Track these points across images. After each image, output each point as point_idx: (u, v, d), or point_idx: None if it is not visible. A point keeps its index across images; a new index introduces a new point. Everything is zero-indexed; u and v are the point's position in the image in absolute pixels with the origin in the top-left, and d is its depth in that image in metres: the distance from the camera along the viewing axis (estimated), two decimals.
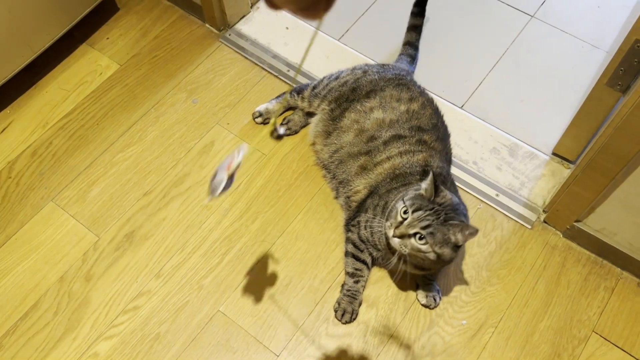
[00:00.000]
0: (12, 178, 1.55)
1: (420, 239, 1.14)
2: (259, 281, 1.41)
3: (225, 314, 1.36)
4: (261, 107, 1.64)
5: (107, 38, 1.79)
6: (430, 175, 1.16)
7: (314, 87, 1.56)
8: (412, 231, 1.14)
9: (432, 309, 1.38)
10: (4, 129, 1.63)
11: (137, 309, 1.37)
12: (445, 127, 1.46)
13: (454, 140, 1.58)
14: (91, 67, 1.74)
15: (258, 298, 1.38)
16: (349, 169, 1.41)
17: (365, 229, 1.33)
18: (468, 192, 1.53)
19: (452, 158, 1.54)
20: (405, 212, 1.16)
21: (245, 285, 1.40)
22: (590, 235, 1.41)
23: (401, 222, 1.16)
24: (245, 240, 1.46)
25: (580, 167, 1.30)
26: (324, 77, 1.57)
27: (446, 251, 1.15)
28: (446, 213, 1.15)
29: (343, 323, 1.35)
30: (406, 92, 1.43)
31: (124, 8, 1.86)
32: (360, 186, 1.38)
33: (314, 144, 1.53)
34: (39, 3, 1.55)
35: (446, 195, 1.18)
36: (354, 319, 1.36)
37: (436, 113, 1.44)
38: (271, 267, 1.42)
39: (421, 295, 1.38)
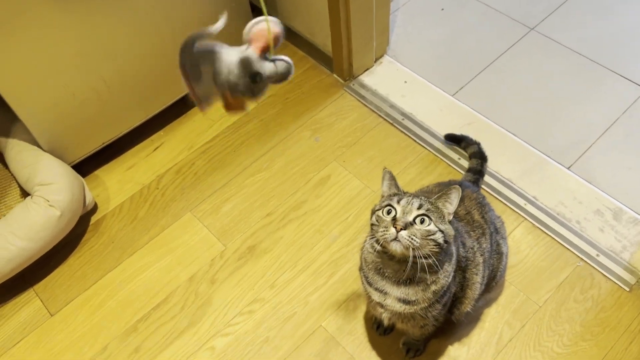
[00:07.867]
0: (159, 189, 1.83)
1: (422, 221, 1.04)
2: (358, 304, 1.54)
3: (326, 330, 1.50)
4: None
5: None
6: (387, 173, 1.16)
7: None
8: (411, 217, 1.04)
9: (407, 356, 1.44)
10: (156, 148, 1.93)
11: (252, 313, 1.55)
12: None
13: (559, 199, 1.66)
14: None
15: (357, 320, 1.51)
16: None
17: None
18: (568, 249, 1.58)
19: (556, 215, 1.63)
20: (389, 212, 1.07)
21: (346, 307, 1.54)
22: None
23: (394, 219, 1.05)
24: (349, 266, 1.60)
25: None
26: None
27: (447, 227, 1.07)
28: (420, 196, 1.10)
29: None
30: None
31: None
32: None
33: None
34: None
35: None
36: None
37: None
38: None
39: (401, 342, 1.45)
